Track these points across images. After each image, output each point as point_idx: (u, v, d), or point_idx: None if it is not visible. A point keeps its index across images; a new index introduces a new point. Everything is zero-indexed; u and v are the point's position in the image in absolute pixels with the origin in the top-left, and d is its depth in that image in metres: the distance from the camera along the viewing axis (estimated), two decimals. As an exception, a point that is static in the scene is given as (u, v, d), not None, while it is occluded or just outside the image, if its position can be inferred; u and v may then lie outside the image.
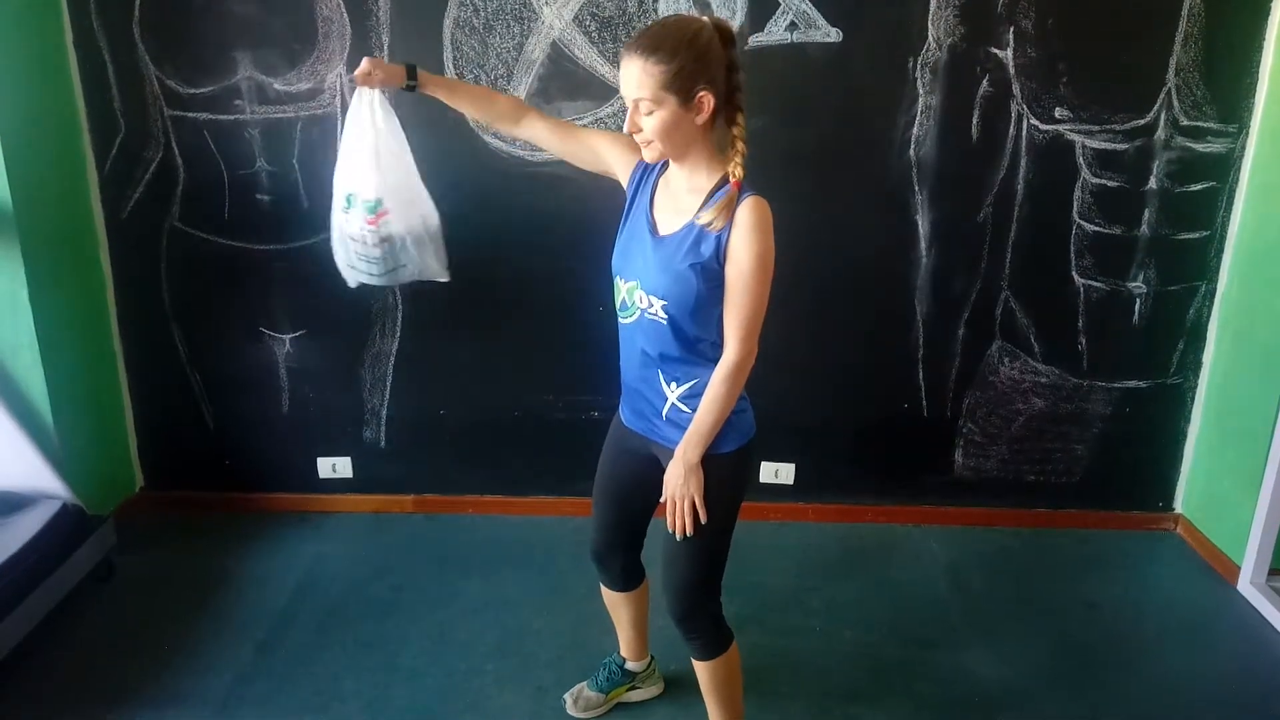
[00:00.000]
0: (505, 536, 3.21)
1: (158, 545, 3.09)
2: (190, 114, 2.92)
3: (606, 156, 1.95)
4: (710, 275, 1.72)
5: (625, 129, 1.74)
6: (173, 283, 3.11)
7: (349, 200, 1.93)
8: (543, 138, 2.00)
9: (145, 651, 2.58)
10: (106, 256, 3.08)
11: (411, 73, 1.95)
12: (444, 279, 2.04)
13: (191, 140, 2.95)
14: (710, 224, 1.70)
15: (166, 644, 2.62)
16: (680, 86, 1.64)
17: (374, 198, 1.89)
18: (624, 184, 1.92)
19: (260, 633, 2.68)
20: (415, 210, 1.94)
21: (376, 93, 1.93)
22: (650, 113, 1.67)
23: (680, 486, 1.83)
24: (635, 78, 1.65)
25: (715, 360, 1.79)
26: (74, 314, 2.97)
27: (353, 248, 2.00)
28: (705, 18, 1.70)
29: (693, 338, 1.80)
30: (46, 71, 2.82)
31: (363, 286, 2.13)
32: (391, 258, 1.97)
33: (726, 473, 1.86)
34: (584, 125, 2.92)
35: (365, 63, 1.90)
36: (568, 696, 2.41)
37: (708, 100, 1.67)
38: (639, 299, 1.83)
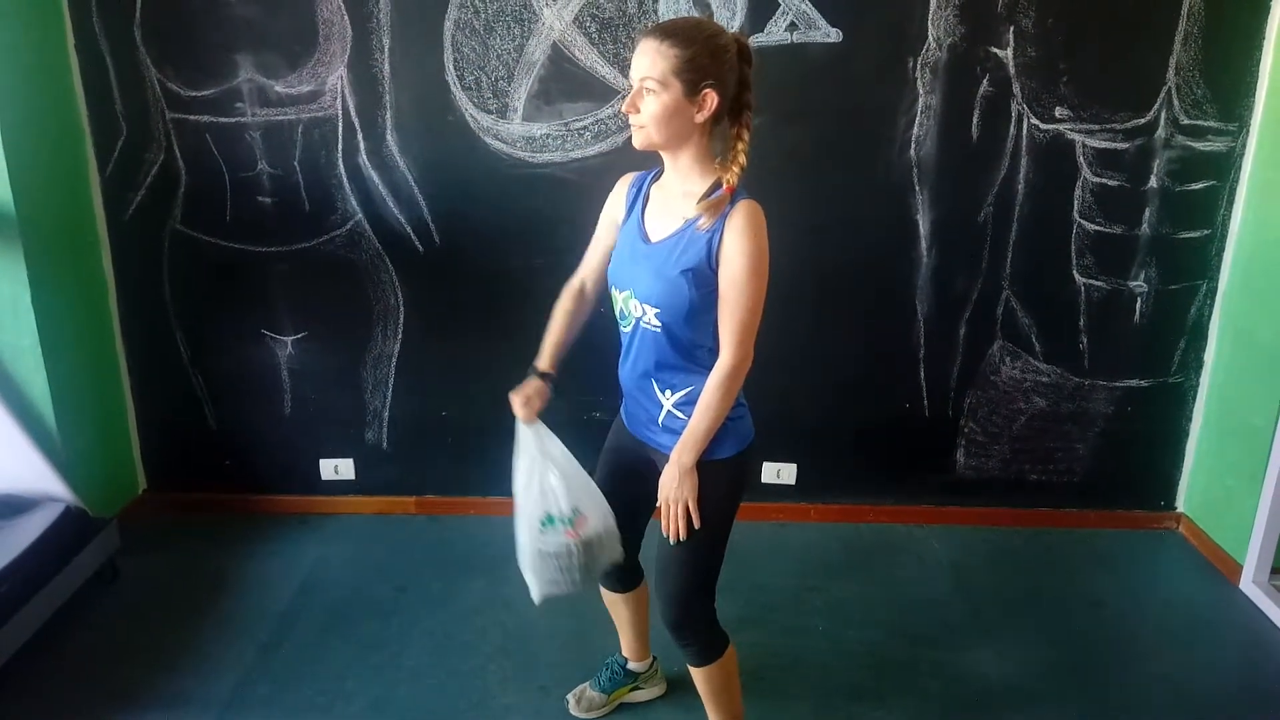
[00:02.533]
0: (507, 537, 3.17)
1: (161, 547, 3.10)
2: (192, 116, 2.93)
3: (610, 222, 1.95)
4: (703, 280, 1.72)
5: (623, 109, 1.74)
6: (175, 285, 3.11)
7: (546, 522, 1.98)
8: (598, 274, 2.02)
9: (149, 653, 2.59)
10: (108, 259, 3.09)
11: (546, 376, 1.99)
12: (620, 559, 2.07)
13: (193, 143, 2.95)
14: (699, 221, 1.70)
15: (170, 646, 2.62)
16: (689, 76, 1.65)
17: (570, 510, 1.96)
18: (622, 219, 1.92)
19: (263, 634, 2.68)
20: (599, 507, 2.00)
21: (542, 425, 1.99)
22: (653, 94, 1.67)
23: (675, 490, 1.83)
24: (647, 58, 1.66)
25: (711, 367, 1.78)
26: (76, 316, 2.98)
27: (554, 564, 2.02)
28: (729, 30, 1.72)
29: (688, 345, 1.80)
30: (48, 75, 2.82)
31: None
32: (590, 558, 2.01)
33: (722, 478, 1.85)
34: (580, 135, 2.93)
35: (517, 404, 1.95)
36: (570, 697, 2.42)
37: (711, 98, 1.67)
38: (633, 308, 1.83)
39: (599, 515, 1.98)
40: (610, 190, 1.97)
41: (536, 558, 2.02)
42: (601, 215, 2.00)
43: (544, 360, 2.01)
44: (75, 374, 2.95)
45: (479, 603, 2.84)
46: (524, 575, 2.07)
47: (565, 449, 1.98)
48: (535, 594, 2.07)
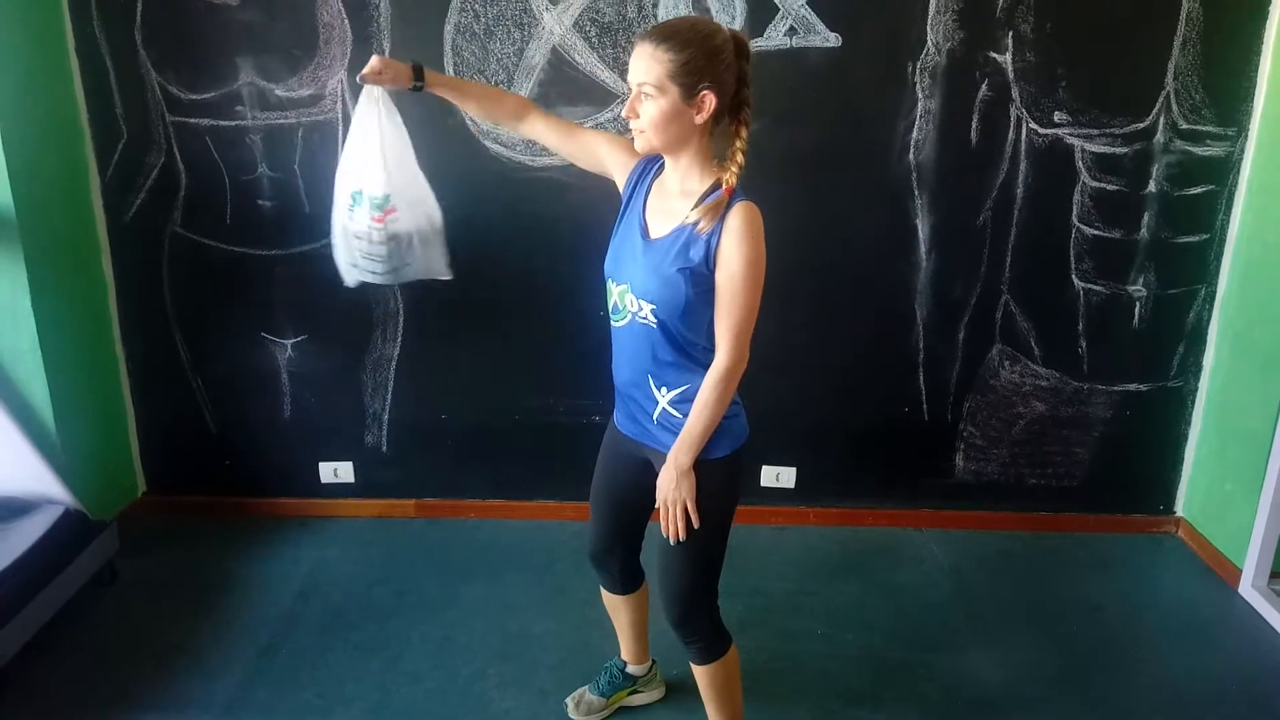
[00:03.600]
0: (507, 540, 3.21)
1: (160, 550, 3.10)
2: (192, 120, 2.93)
3: (605, 158, 1.96)
4: (700, 280, 1.72)
5: (623, 114, 1.74)
6: (175, 288, 3.11)
7: (355, 198, 1.92)
8: (545, 136, 2.02)
9: (148, 656, 2.58)
10: (109, 262, 3.09)
11: (419, 72, 1.96)
12: (446, 277, 2.04)
13: (193, 146, 2.96)
14: (698, 224, 1.70)
15: (169, 649, 2.62)
16: (685, 79, 1.65)
17: (382, 195, 1.89)
18: (620, 185, 1.92)
19: (263, 637, 2.68)
20: (421, 208, 1.95)
21: (384, 91, 1.93)
22: (651, 98, 1.67)
23: (672, 491, 1.83)
24: (644, 63, 1.66)
25: (707, 365, 1.78)
26: (76, 319, 2.98)
27: (356, 246, 1.99)
28: (725, 28, 1.71)
29: (683, 342, 1.80)
30: (49, 78, 2.83)
31: (365, 287, 2.12)
32: (397, 256, 1.97)
33: (719, 478, 1.86)
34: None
35: (374, 61, 1.90)
36: (569, 700, 2.42)
37: (709, 100, 1.68)
38: (629, 302, 1.83)
39: (417, 216, 1.91)
40: (609, 197, 1.96)
41: (342, 233, 1.97)
42: (607, 135, 1.99)
43: (436, 76, 1.98)
44: (75, 376, 2.95)
45: (478, 606, 2.84)
46: (333, 248, 2.02)
47: (408, 138, 1.90)
48: (344, 276, 2.03)
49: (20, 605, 2.44)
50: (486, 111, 2.07)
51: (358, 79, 1.90)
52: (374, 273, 2.00)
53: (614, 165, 1.94)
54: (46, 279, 2.80)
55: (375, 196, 1.89)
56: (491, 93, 2.08)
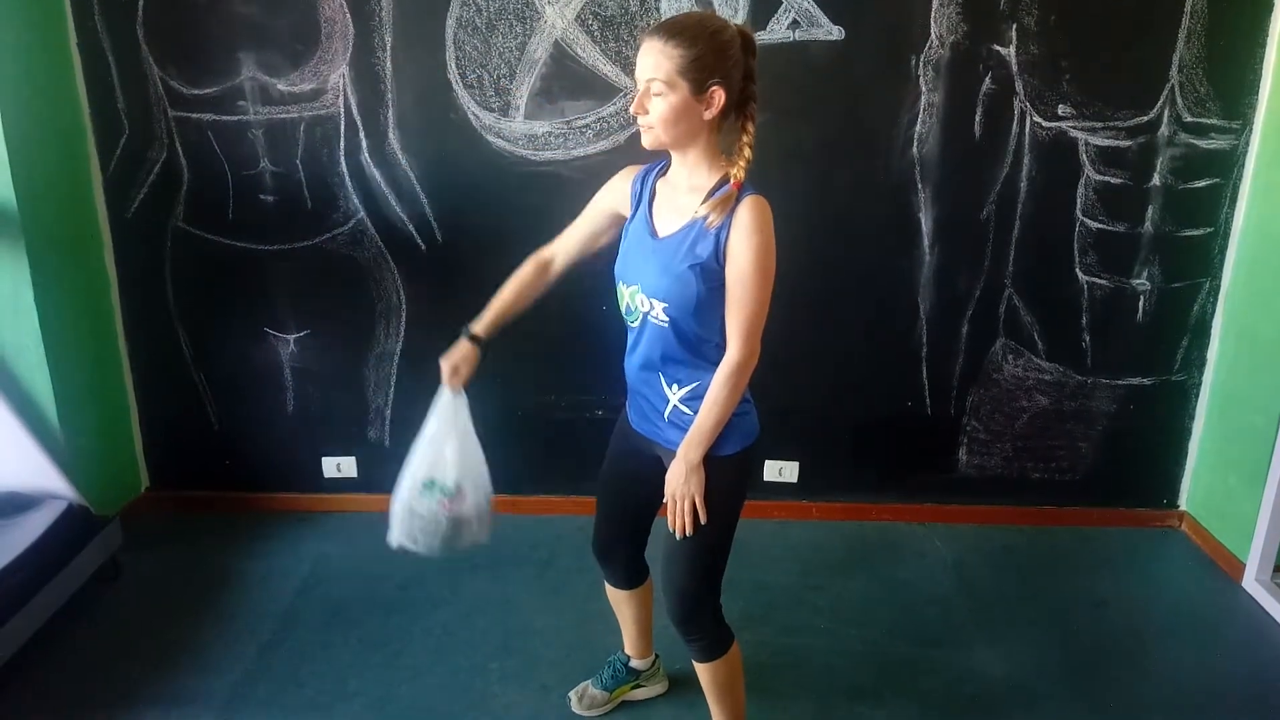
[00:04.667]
0: (509, 536, 3.21)
1: (163, 545, 3.10)
2: (194, 115, 2.93)
3: (608, 211, 1.96)
4: (710, 276, 1.72)
5: (631, 110, 1.74)
6: (177, 283, 3.11)
7: (428, 485, 2.02)
8: (571, 252, 2.06)
9: (151, 651, 2.59)
10: (111, 257, 3.09)
11: (473, 338, 2.02)
12: (485, 542, 2.11)
13: (195, 141, 2.96)
14: (708, 218, 1.70)
15: (172, 643, 2.62)
16: (695, 75, 1.65)
17: (453, 484, 2.00)
18: (626, 212, 1.92)
19: (265, 632, 2.69)
20: (482, 490, 2.04)
21: (464, 395, 2.02)
22: (660, 95, 1.67)
23: (681, 486, 1.83)
24: (653, 59, 1.65)
25: (718, 363, 1.78)
26: (79, 315, 2.98)
27: (418, 524, 2.05)
28: (731, 23, 1.71)
29: (696, 340, 1.80)
30: (51, 73, 2.82)
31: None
32: (455, 533, 2.05)
33: (728, 474, 1.85)
34: (582, 133, 2.93)
35: (447, 370, 1.98)
36: (572, 695, 2.42)
37: (719, 95, 1.67)
38: (640, 302, 1.83)
39: (477, 499, 2.01)
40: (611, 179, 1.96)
41: (406, 512, 2.04)
42: (594, 199, 2.00)
43: (481, 324, 2.02)
44: (78, 372, 2.96)
45: (480, 601, 2.85)
46: (391, 517, 2.08)
47: (473, 428, 2.01)
48: (393, 539, 2.08)
49: (24, 600, 2.45)
50: (531, 296, 2.08)
51: (452, 390, 2.00)
52: (430, 547, 2.08)
53: (616, 206, 1.94)
54: (49, 274, 2.80)
55: (447, 486, 2.00)
56: (524, 286, 2.07)
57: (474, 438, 2.02)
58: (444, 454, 2.00)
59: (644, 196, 1.86)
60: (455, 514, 2.01)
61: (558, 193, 2.97)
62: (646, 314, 1.82)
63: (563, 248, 2.06)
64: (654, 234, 1.81)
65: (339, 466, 3.32)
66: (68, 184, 2.91)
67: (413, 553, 2.07)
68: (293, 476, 3.33)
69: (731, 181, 1.70)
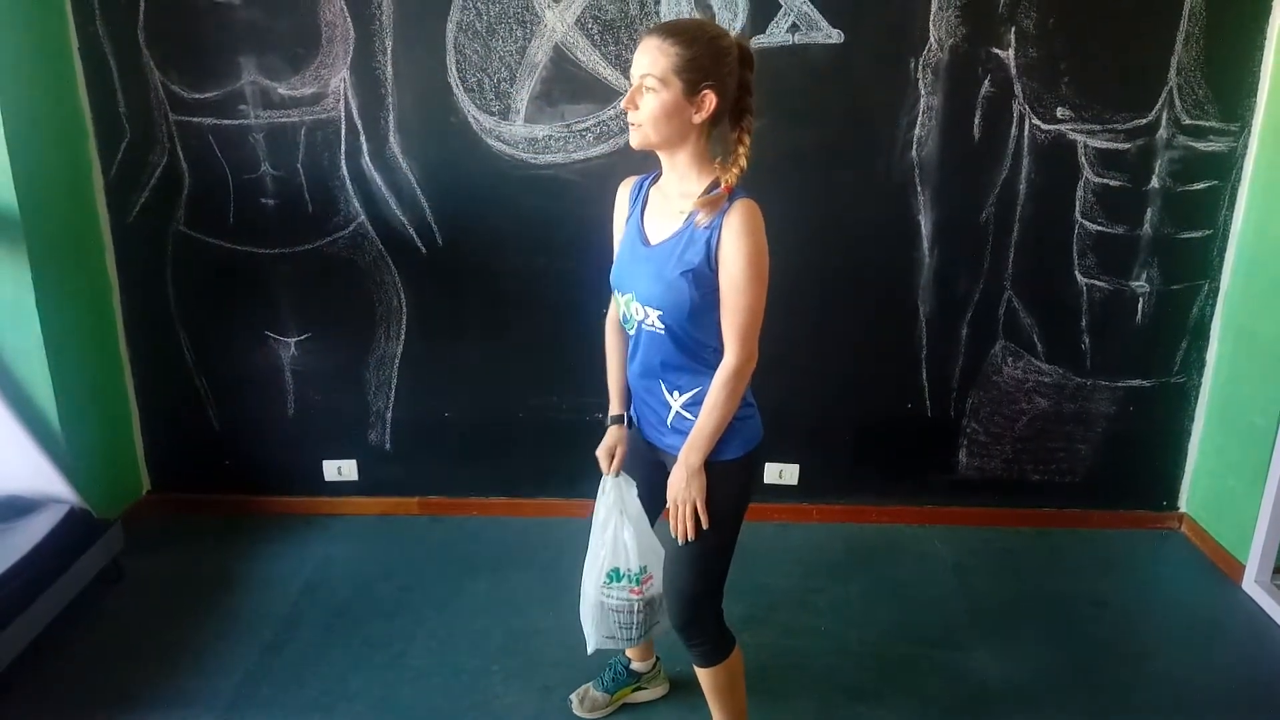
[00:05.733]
0: (510, 537, 3.22)
1: (165, 548, 3.11)
2: (195, 119, 2.94)
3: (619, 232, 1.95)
4: (703, 281, 1.72)
5: (622, 104, 1.74)
6: (178, 287, 3.12)
7: (613, 576, 2.02)
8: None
9: (153, 653, 2.59)
10: (112, 261, 3.09)
11: (617, 420, 2.04)
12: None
13: (196, 145, 2.96)
14: (697, 216, 1.70)
15: (174, 645, 2.63)
16: (689, 75, 1.65)
17: (639, 568, 2.00)
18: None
19: (267, 634, 2.69)
20: (661, 562, 2.02)
21: (627, 477, 2.02)
22: (653, 90, 1.67)
23: (683, 491, 1.83)
24: (649, 55, 1.66)
25: (718, 367, 1.78)
26: (80, 318, 2.98)
27: (614, 619, 2.07)
28: (733, 36, 1.72)
29: (694, 346, 1.80)
30: (52, 77, 2.83)
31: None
32: (650, 616, 2.07)
33: (731, 479, 1.86)
34: (582, 136, 2.93)
35: (605, 458, 2.01)
36: (573, 697, 2.42)
37: (710, 99, 1.67)
38: (636, 310, 1.83)
39: (660, 575, 2.01)
40: (613, 195, 1.97)
41: (598, 610, 2.07)
42: (614, 229, 1.98)
43: (615, 405, 2.06)
44: (79, 375, 2.96)
45: (482, 603, 2.85)
46: (582, 624, 2.12)
47: (640, 506, 2.01)
48: (591, 645, 2.12)
49: (26, 603, 2.45)
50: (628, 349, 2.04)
51: (615, 477, 2.01)
52: (629, 639, 2.10)
53: (623, 221, 1.94)
54: (51, 278, 2.81)
55: (632, 571, 2.00)
56: (618, 350, 2.05)
57: (644, 518, 2.02)
58: (622, 540, 2.00)
59: (637, 204, 1.86)
60: (648, 596, 2.02)
61: (558, 196, 2.98)
62: (642, 322, 1.82)
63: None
64: (645, 241, 1.81)
65: (340, 469, 3.32)
66: (69, 188, 2.92)
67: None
68: (294, 479, 3.33)
69: (722, 185, 1.70)
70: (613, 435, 2.04)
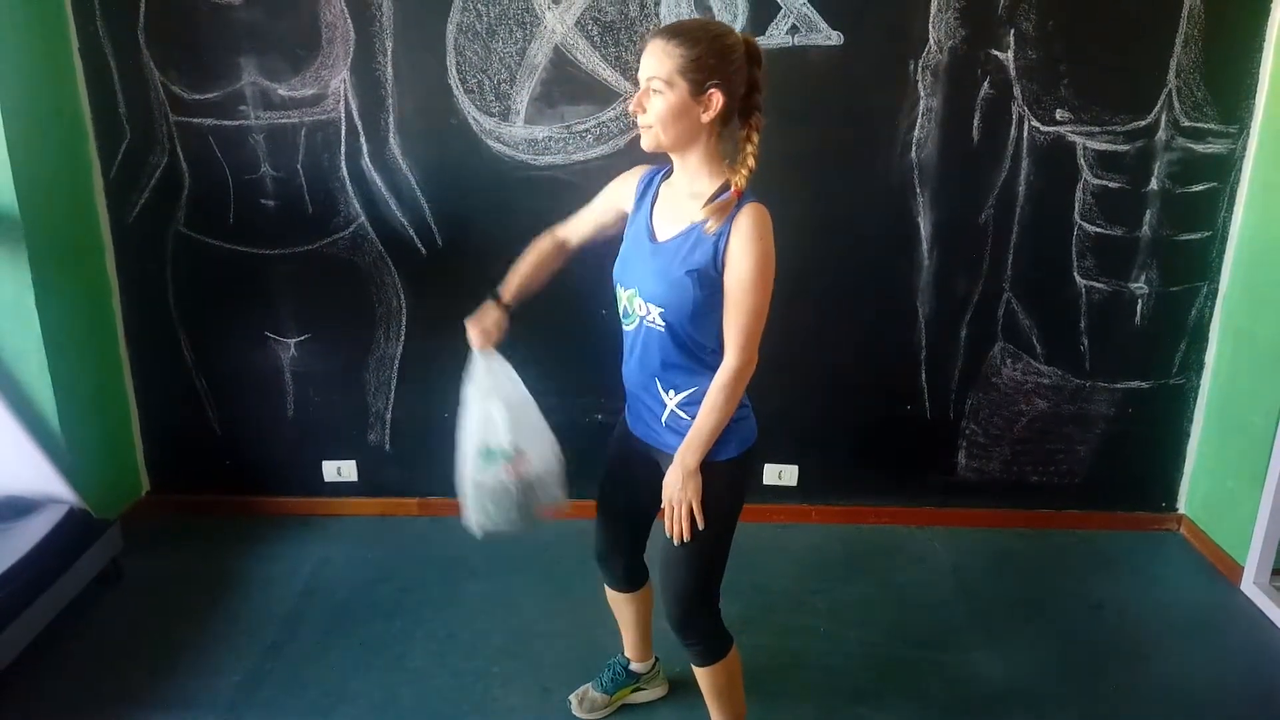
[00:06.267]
0: (510, 539, 3.20)
1: (164, 549, 3.11)
2: (195, 119, 2.94)
3: (618, 202, 1.96)
4: (708, 282, 1.72)
5: (630, 108, 1.75)
6: (178, 287, 3.12)
7: (487, 455, 1.98)
8: (584, 234, 2.05)
9: (152, 655, 2.59)
10: (112, 262, 3.10)
11: (502, 305, 2.02)
12: (565, 507, 2.09)
13: (196, 146, 2.97)
14: (706, 224, 1.70)
15: (173, 647, 2.63)
16: (694, 75, 1.65)
17: (510, 445, 1.97)
18: (629, 209, 1.93)
19: (267, 635, 2.69)
20: (544, 442, 2.01)
21: (499, 355, 2.00)
22: (660, 93, 1.67)
23: (678, 492, 1.83)
24: (655, 58, 1.66)
25: (715, 368, 1.78)
26: (80, 319, 2.99)
27: (489, 498, 2.03)
28: (740, 33, 1.72)
29: (692, 346, 1.80)
30: (52, 78, 2.83)
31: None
32: (530, 498, 2.03)
33: (726, 479, 1.86)
34: (582, 138, 2.93)
35: (472, 331, 1.99)
36: (573, 698, 2.42)
37: (717, 98, 1.67)
38: (638, 306, 1.83)
39: (542, 456, 1.97)
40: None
41: (473, 489, 2.01)
42: (603, 193, 2.00)
43: (508, 291, 2.03)
44: (79, 376, 2.96)
45: (482, 604, 2.85)
46: (461, 503, 2.06)
47: (520, 383, 1.96)
48: (473, 526, 2.06)
49: (25, 604, 2.45)
50: (549, 269, 2.08)
51: (479, 352, 1.99)
52: (512, 522, 2.05)
53: (623, 199, 1.95)
54: (51, 279, 2.81)
55: (505, 449, 1.96)
56: (536, 258, 2.07)
57: (525, 396, 1.97)
58: (492, 417, 1.95)
59: (647, 198, 1.87)
60: (522, 477, 1.96)
61: (558, 197, 2.97)
62: (643, 318, 1.83)
63: (575, 231, 2.07)
64: (653, 238, 1.81)
65: (339, 470, 3.32)
66: (69, 189, 2.92)
67: (499, 535, 2.01)
68: (293, 480, 3.33)
69: (732, 189, 1.70)
70: (489, 313, 2.01)
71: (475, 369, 1.99)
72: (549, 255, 2.07)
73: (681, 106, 1.68)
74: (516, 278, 2.04)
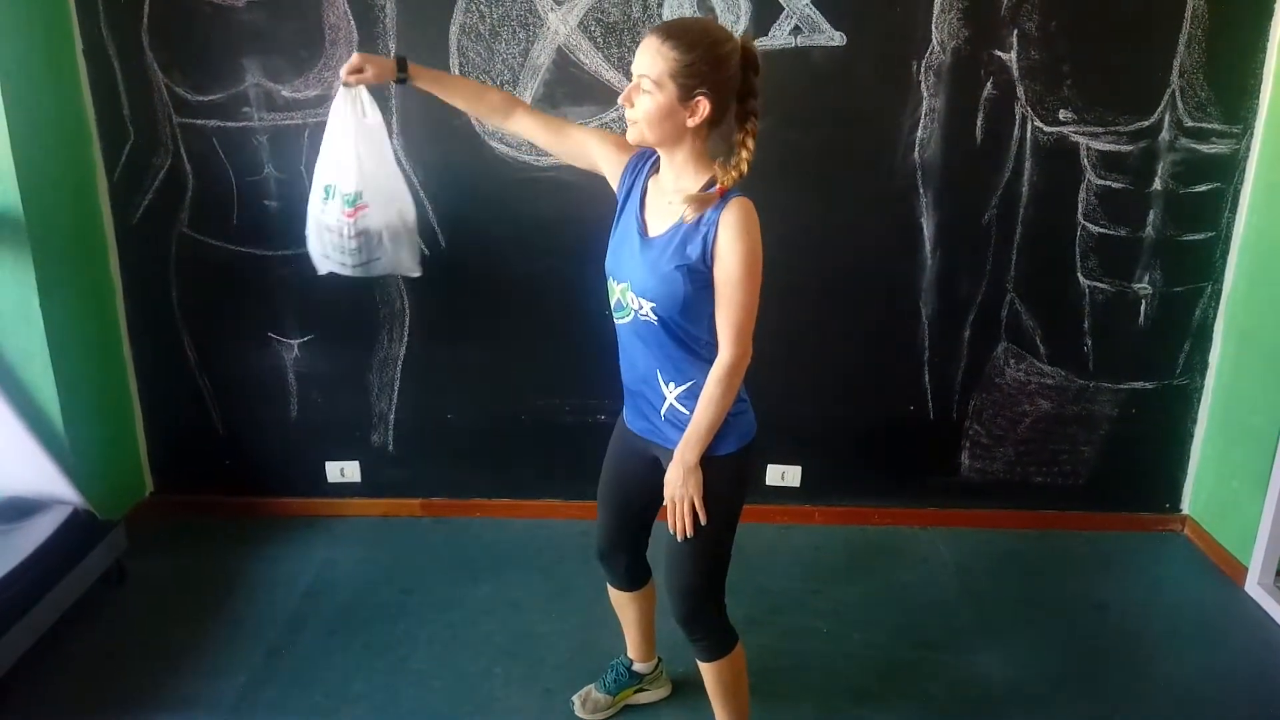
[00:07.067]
0: (513, 540, 3.22)
1: (168, 550, 3.11)
2: (199, 121, 2.95)
3: (595, 154, 1.96)
4: (697, 277, 1.73)
5: (620, 100, 1.75)
6: (182, 288, 3.13)
7: (328, 191, 1.96)
8: (533, 132, 2.01)
9: (156, 655, 2.60)
10: (116, 263, 3.10)
11: (402, 65, 1.95)
12: (415, 274, 2.10)
13: (200, 147, 2.97)
14: (685, 214, 1.70)
15: (177, 648, 2.63)
16: (684, 81, 1.65)
17: (353, 191, 1.93)
18: (613, 183, 1.92)
19: (270, 636, 2.69)
20: (393, 205, 1.99)
21: (363, 88, 1.95)
22: (648, 92, 1.67)
23: (679, 488, 1.83)
24: (647, 56, 1.66)
25: (712, 359, 1.79)
26: (84, 320, 2.99)
27: (328, 238, 2.03)
28: (739, 38, 1.71)
29: (687, 338, 1.81)
30: (57, 80, 2.84)
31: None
32: (366, 250, 2.01)
33: (727, 474, 1.86)
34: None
35: (355, 58, 1.91)
36: (576, 699, 2.42)
37: (704, 105, 1.67)
38: (630, 300, 1.83)
39: (389, 213, 1.95)
40: (615, 196, 1.97)
41: (315, 225, 2.01)
42: (597, 135, 1.99)
43: (423, 72, 1.98)
44: (83, 377, 2.97)
45: (485, 605, 2.85)
46: (307, 241, 2.06)
47: (386, 135, 1.94)
48: (316, 264, 2.07)
49: (29, 605, 2.46)
50: (471, 105, 2.05)
51: (341, 82, 1.92)
52: (343, 265, 2.04)
53: (605, 162, 1.94)
54: (55, 280, 2.81)
55: (347, 193, 1.93)
56: (476, 87, 2.07)
57: (384, 149, 1.93)
58: (342, 159, 1.91)
59: (634, 191, 1.86)
60: (361, 227, 1.94)
61: (560, 198, 2.98)
62: (636, 311, 1.83)
63: (534, 123, 2.02)
64: (644, 233, 1.81)
65: (342, 471, 3.33)
66: (73, 190, 2.93)
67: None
68: (296, 481, 3.34)
69: (717, 186, 1.70)
70: (380, 59, 1.94)
71: (337, 103, 1.94)
72: (489, 100, 2.03)
73: (668, 109, 1.68)
74: (440, 73, 2.02)
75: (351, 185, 1.93)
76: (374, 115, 1.95)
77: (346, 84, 1.93)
